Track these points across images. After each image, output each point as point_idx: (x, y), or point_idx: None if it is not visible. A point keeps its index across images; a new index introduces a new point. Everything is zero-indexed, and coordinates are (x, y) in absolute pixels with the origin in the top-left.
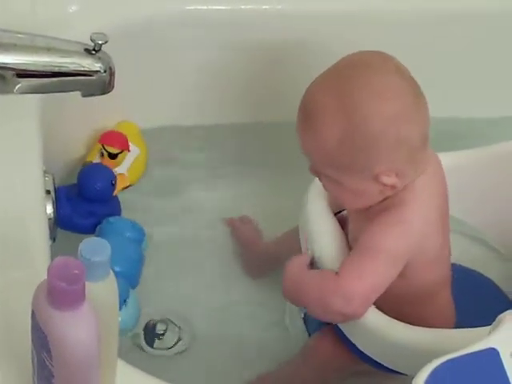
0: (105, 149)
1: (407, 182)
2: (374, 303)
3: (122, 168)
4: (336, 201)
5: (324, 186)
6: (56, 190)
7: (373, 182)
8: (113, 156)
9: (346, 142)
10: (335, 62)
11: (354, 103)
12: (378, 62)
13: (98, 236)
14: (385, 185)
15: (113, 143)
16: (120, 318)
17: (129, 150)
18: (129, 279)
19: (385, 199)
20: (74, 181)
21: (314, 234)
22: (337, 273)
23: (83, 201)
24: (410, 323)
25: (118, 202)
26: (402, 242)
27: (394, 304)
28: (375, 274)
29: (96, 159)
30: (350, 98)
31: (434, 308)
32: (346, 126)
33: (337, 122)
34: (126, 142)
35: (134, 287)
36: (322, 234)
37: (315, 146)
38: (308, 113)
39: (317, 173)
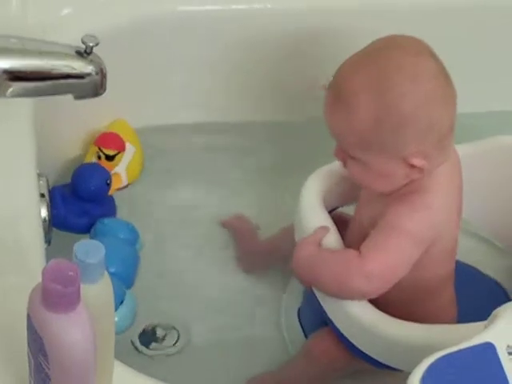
0: (101, 151)
1: (433, 167)
2: (379, 299)
3: (120, 168)
4: (360, 183)
5: (349, 169)
6: (50, 191)
7: (400, 164)
8: (110, 158)
9: (380, 122)
10: (366, 45)
11: (389, 83)
12: (413, 44)
13: (92, 237)
14: (413, 167)
15: (109, 145)
16: (116, 318)
17: (124, 151)
18: (124, 280)
19: (407, 185)
20: (69, 181)
21: (307, 230)
22: (359, 251)
23: (78, 200)
24: (414, 319)
25: (113, 202)
26: (427, 227)
27: (399, 299)
28: (399, 254)
29: (93, 161)
30: (385, 79)
31: (438, 304)
32: (379, 106)
33: (371, 102)
34: (122, 142)
35: (128, 288)
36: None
37: (347, 127)
38: (340, 93)
39: (343, 156)
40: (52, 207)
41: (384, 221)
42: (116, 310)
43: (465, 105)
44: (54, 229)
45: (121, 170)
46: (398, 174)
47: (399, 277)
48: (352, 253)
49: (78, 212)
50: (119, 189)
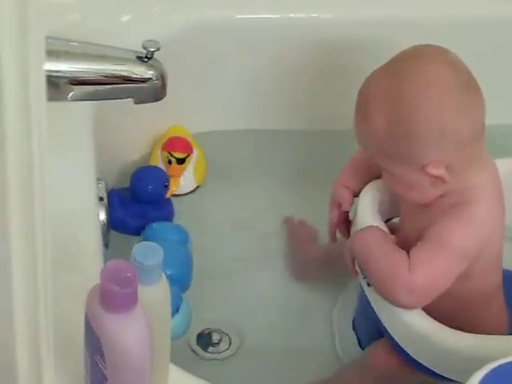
0: (172, 155)
1: (461, 177)
2: (430, 308)
3: (189, 171)
4: (395, 193)
5: (383, 178)
6: (109, 193)
7: (421, 174)
8: (180, 161)
9: (392, 129)
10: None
11: (402, 91)
12: (433, 53)
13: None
14: (433, 176)
15: (179, 148)
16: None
17: (192, 153)
18: (180, 282)
19: (450, 196)
20: (127, 185)
21: None
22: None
23: (135, 203)
24: (464, 329)
25: (171, 205)
26: (474, 241)
27: (449, 308)
28: (445, 271)
29: (161, 166)
30: (399, 86)
31: (489, 314)
32: (391, 112)
33: (383, 109)
34: (190, 145)
35: (185, 290)
36: None
37: (366, 134)
38: (361, 102)
39: (376, 165)
40: (110, 210)
41: (433, 234)
42: (172, 316)
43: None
44: (112, 231)
45: (189, 174)
46: (423, 183)
47: (440, 292)
48: (404, 262)
49: (136, 214)
50: (188, 193)
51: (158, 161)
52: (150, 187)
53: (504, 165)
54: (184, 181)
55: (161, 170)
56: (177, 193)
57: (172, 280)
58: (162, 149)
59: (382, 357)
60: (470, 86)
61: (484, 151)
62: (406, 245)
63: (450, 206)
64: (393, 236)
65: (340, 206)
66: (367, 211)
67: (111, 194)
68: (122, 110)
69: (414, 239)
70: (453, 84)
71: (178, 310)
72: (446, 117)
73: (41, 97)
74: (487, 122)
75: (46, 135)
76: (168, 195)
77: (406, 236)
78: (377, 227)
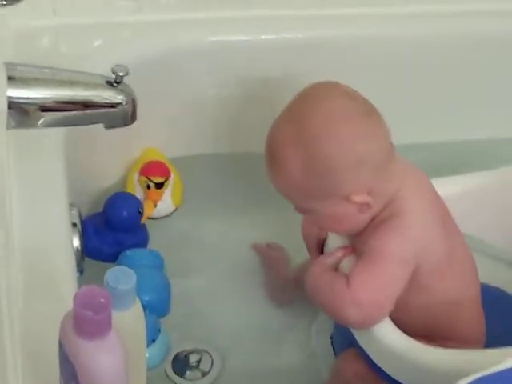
0: (150, 180)
1: (386, 196)
2: (403, 325)
3: (167, 194)
4: (327, 230)
5: (312, 221)
6: (83, 222)
7: (347, 204)
8: (159, 185)
9: (308, 172)
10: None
11: (307, 132)
12: (325, 89)
13: None
14: (358, 204)
15: (157, 173)
16: (147, 355)
17: (170, 177)
18: (159, 307)
19: (379, 214)
20: (101, 210)
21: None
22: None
23: (110, 230)
24: (440, 344)
25: (146, 231)
26: (405, 246)
27: (422, 324)
28: (385, 278)
29: (137, 192)
30: (303, 128)
31: (464, 327)
32: (304, 154)
33: (295, 153)
34: (168, 169)
35: (165, 314)
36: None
37: (284, 183)
38: (270, 153)
39: (299, 210)
40: (85, 238)
41: (366, 248)
42: (148, 346)
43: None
44: (87, 258)
45: (167, 197)
46: (350, 212)
47: (392, 299)
48: (340, 281)
49: (111, 241)
50: (165, 216)
51: (135, 186)
52: (124, 214)
53: (466, 180)
54: (162, 204)
55: (134, 196)
56: (155, 216)
57: (151, 306)
58: (140, 173)
59: (349, 368)
60: (368, 111)
61: (398, 165)
62: None
63: (381, 221)
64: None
65: (318, 246)
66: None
67: (85, 222)
68: (93, 135)
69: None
70: (353, 113)
71: (154, 340)
72: (357, 145)
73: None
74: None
75: (6, 162)
76: (143, 220)
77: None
78: (321, 259)
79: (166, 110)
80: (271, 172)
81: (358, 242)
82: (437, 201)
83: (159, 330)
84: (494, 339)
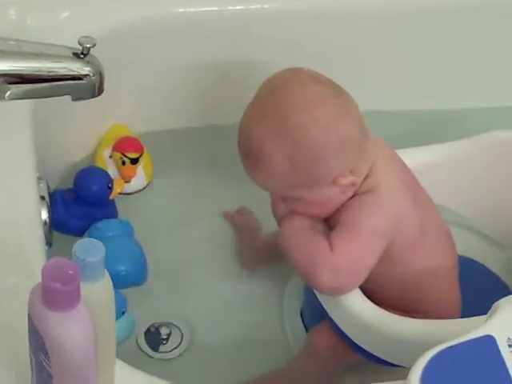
0: (126, 156)
1: (364, 174)
2: (377, 298)
3: (139, 170)
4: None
5: (292, 208)
6: (51, 194)
7: (332, 187)
8: (134, 161)
9: (295, 162)
10: (257, 91)
11: (288, 124)
12: (292, 77)
13: None
14: (344, 185)
15: (131, 149)
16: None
17: (144, 152)
18: (137, 274)
19: (356, 191)
20: (71, 186)
21: None
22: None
23: (79, 204)
24: (416, 316)
25: (115, 206)
26: (381, 220)
27: (396, 295)
28: (364, 248)
29: (110, 168)
30: (281, 120)
31: (439, 299)
32: (288, 146)
33: (278, 148)
34: (141, 144)
35: (143, 281)
36: None
37: (269, 177)
38: (249, 151)
39: (281, 199)
40: (53, 210)
41: (344, 219)
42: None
43: (467, 100)
44: (56, 232)
45: (140, 171)
46: (334, 195)
47: (368, 270)
48: (325, 245)
49: (79, 215)
50: (138, 191)
51: (106, 161)
52: (94, 188)
53: (438, 150)
54: (135, 179)
55: (104, 171)
56: (127, 191)
57: (129, 274)
58: (114, 150)
59: (323, 339)
60: (339, 92)
61: (372, 140)
62: None
63: (354, 199)
64: (321, 225)
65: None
66: None
67: (54, 194)
68: (62, 109)
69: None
70: (327, 96)
71: (123, 313)
72: (339, 127)
73: None
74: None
75: None
76: (112, 197)
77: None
78: (299, 216)
79: (134, 83)
80: (253, 170)
81: (331, 219)
82: (406, 174)
83: (125, 305)
84: (465, 310)
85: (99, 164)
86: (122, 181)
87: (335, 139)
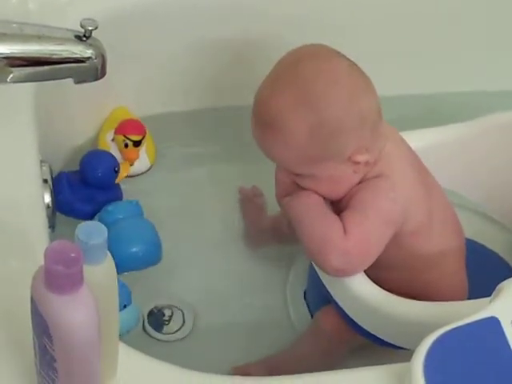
0: (128, 138)
1: (376, 155)
2: (381, 278)
3: (142, 152)
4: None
5: (304, 186)
6: (57, 176)
7: (347, 164)
8: (137, 143)
9: (315, 134)
10: (276, 63)
11: (312, 95)
12: (321, 51)
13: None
14: (358, 163)
15: (134, 131)
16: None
17: (146, 134)
18: (153, 254)
19: (367, 173)
20: (76, 169)
21: None
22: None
23: (85, 187)
24: (419, 297)
25: (120, 189)
26: (390, 205)
27: (401, 278)
28: (376, 232)
29: (112, 151)
30: (307, 91)
31: (442, 280)
32: (310, 119)
33: (301, 119)
34: (143, 126)
35: (159, 260)
36: None
37: (286, 149)
38: (268, 120)
39: (291, 178)
40: (58, 192)
41: (356, 202)
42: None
43: (464, 83)
44: (59, 214)
45: (143, 154)
46: (347, 174)
47: (376, 255)
48: (338, 225)
49: (85, 198)
50: (142, 173)
51: (108, 145)
52: (100, 172)
53: (442, 132)
54: (139, 162)
55: (111, 154)
56: (131, 174)
57: (146, 255)
58: (117, 132)
59: (329, 321)
60: (359, 69)
61: (384, 124)
62: None
63: (365, 184)
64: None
65: None
66: None
67: (59, 176)
68: (63, 93)
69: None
70: (350, 71)
71: (125, 306)
72: (360, 103)
73: None
74: None
75: None
76: (118, 181)
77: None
78: (314, 193)
79: (137, 65)
80: (269, 141)
81: (340, 204)
82: (414, 159)
83: (130, 299)
84: (469, 292)
85: (102, 147)
86: (129, 164)
87: (357, 114)
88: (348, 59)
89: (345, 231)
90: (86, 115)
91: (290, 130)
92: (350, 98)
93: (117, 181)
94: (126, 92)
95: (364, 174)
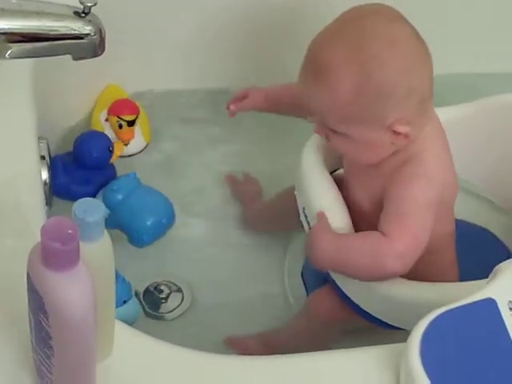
0: (122, 119)
1: (417, 132)
2: None
3: (137, 131)
4: (348, 157)
5: (334, 144)
6: (52, 159)
7: (385, 132)
8: (131, 123)
9: (361, 93)
10: (338, 16)
11: (367, 53)
12: (385, 11)
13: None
14: (398, 134)
15: (127, 111)
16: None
17: (139, 113)
18: (170, 218)
19: (398, 155)
20: (69, 148)
21: (308, 190)
22: (381, 233)
23: (79, 168)
24: (414, 278)
25: (114, 170)
26: (430, 193)
27: None
28: (420, 227)
29: (107, 132)
30: (362, 49)
31: (440, 263)
32: (360, 76)
33: (350, 74)
34: (136, 105)
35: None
36: (319, 195)
37: (328, 102)
38: (318, 67)
39: (325, 132)
40: (54, 176)
41: (393, 195)
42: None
43: (465, 65)
44: (56, 197)
45: (138, 133)
46: (383, 142)
47: (425, 241)
48: (378, 237)
49: (80, 180)
50: (138, 153)
51: (101, 124)
52: (94, 153)
53: (445, 113)
54: (134, 141)
55: (105, 134)
56: (127, 154)
57: (166, 221)
58: (110, 114)
59: (321, 304)
60: (422, 40)
61: (432, 105)
62: (357, 204)
63: (400, 164)
64: (343, 207)
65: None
66: (312, 162)
67: (54, 160)
68: (57, 70)
69: (364, 198)
70: (412, 39)
71: (125, 302)
72: (413, 73)
73: None
74: None
75: None
76: (112, 161)
77: (355, 195)
78: (319, 229)
79: (131, 44)
80: (315, 89)
81: (368, 176)
82: (448, 146)
83: (130, 292)
84: (467, 273)
85: (96, 127)
86: (122, 144)
87: (406, 84)
88: (412, 27)
89: (391, 234)
90: (77, 94)
91: (335, 83)
92: (404, 65)
93: (111, 161)
94: (120, 68)
95: (400, 150)
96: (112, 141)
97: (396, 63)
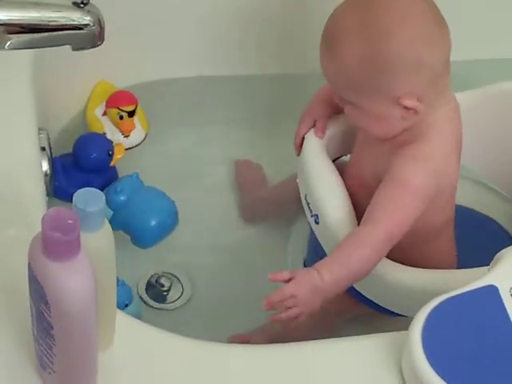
0: (122, 110)
1: (430, 110)
2: None
3: (136, 122)
4: (359, 127)
5: (347, 114)
6: (52, 161)
7: (394, 106)
8: (131, 113)
9: (367, 63)
10: None
11: (375, 24)
12: None
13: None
14: (406, 108)
15: (126, 102)
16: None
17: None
18: (174, 218)
19: (406, 133)
20: (63, 147)
21: (310, 177)
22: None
23: (80, 172)
24: (413, 265)
25: (115, 171)
26: (429, 179)
27: (399, 245)
28: (407, 211)
29: (106, 127)
30: (371, 20)
31: (439, 249)
32: (366, 46)
33: (357, 43)
34: (134, 95)
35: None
36: (321, 183)
37: (337, 70)
38: (329, 37)
39: (341, 101)
40: (54, 179)
41: (389, 177)
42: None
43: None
44: (56, 200)
45: (137, 124)
46: (393, 116)
47: (404, 231)
48: (364, 233)
49: (81, 183)
50: (138, 145)
51: (98, 120)
52: (94, 157)
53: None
54: (134, 132)
55: (104, 137)
56: (128, 146)
57: (171, 221)
58: (109, 106)
59: None
60: (440, 18)
61: (449, 86)
62: (359, 180)
63: (404, 143)
64: None
65: (314, 121)
66: (314, 150)
67: (54, 162)
68: (44, 76)
69: (368, 174)
70: (426, 15)
71: (126, 306)
72: (423, 48)
73: None
74: None
75: None
76: (112, 163)
77: (359, 170)
78: (296, 290)
79: (123, 36)
80: (326, 56)
81: (375, 151)
82: (460, 135)
83: (131, 296)
84: (468, 260)
85: (92, 124)
86: (122, 147)
87: (415, 59)
88: (432, 8)
89: (375, 220)
90: (67, 94)
91: (343, 51)
92: (413, 40)
93: (111, 164)
94: (109, 64)
95: (409, 127)
96: (110, 135)
97: (404, 38)
